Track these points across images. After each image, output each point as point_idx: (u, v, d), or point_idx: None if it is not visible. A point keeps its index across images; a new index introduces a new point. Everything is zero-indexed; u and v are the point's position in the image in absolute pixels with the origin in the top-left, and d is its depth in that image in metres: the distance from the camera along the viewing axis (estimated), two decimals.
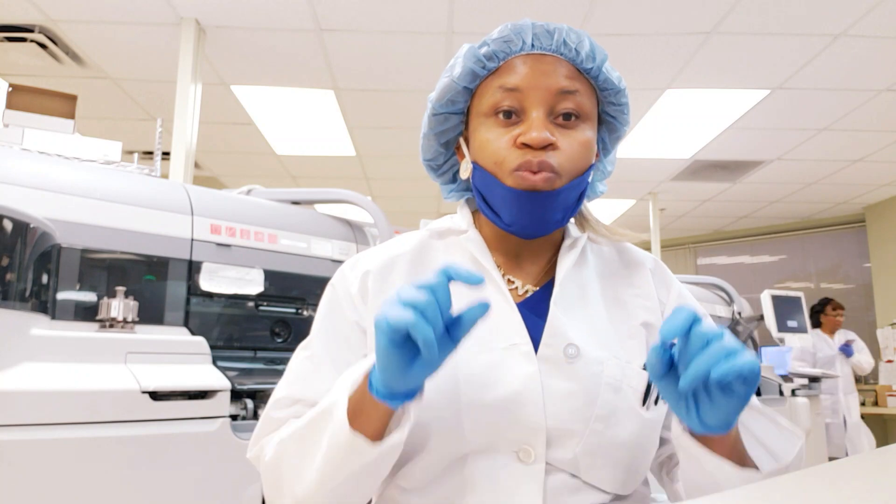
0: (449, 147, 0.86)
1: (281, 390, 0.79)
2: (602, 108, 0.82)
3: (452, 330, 0.60)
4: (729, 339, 0.58)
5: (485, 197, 0.80)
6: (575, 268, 0.82)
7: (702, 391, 0.60)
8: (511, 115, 0.76)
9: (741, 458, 0.68)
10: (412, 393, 0.65)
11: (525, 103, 0.75)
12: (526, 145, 0.74)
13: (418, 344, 0.58)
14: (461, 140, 0.84)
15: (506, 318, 0.76)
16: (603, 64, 0.79)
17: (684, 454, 0.70)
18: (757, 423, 0.74)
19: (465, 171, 0.83)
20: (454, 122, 0.83)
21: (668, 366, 0.61)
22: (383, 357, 0.61)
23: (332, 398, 0.68)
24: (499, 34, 0.78)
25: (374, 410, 0.65)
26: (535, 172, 0.73)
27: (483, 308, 0.60)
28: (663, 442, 0.82)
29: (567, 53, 0.77)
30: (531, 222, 0.77)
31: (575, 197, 0.78)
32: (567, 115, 0.76)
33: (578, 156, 0.76)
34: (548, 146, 0.74)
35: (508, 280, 0.82)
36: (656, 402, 0.77)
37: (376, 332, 0.60)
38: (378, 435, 0.66)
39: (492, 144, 0.76)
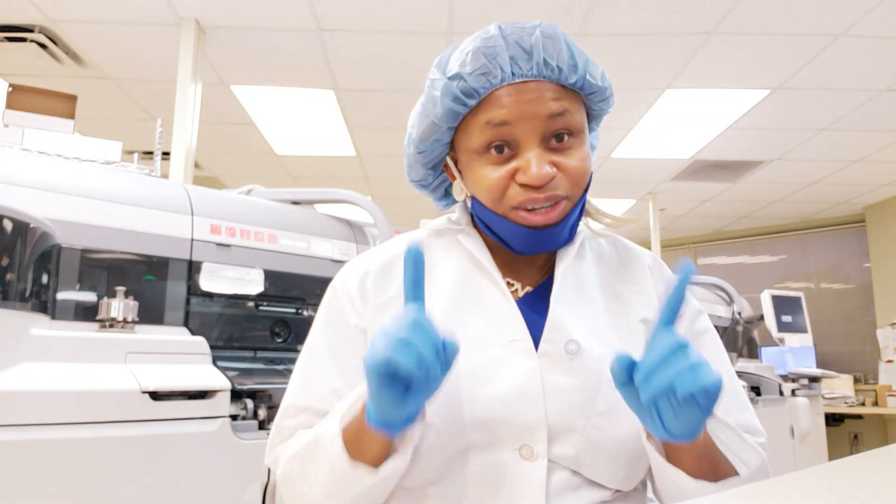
0: (437, 168, 0.86)
1: (287, 399, 0.80)
2: (588, 107, 0.80)
3: (442, 354, 0.60)
4: (693, 352, 0.59)
5: (488, 225, 0.79)
6: (574, 264, 0.82)
7: (665, 401, 0.59)
8: (503, 149, 0.74)
9: (714, 465, 0.68)
10: (410, 419, 0.64)
11: (517, 135, 0.73)
12: (527, 185, 0.73)
13: (409, 379, 0.58)
14: (448, 160, 0.83)
15: (505, 315, 0.77)
16: (585, 71, 0.76)
17: (651, 460, 0.70)
18: (722, 432, 0.73)
19: (460, 193, 0.82)
20: (439, 150, 0.82)
21: (630, 373, 0.61)
22: (375, 394, 0.61)
23: (327, 428, 0.69)
24: (472, 65, 0.73)
25: (372, 438, 0.65)
26: (543, 210, 0.73)
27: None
28: None
29: (550, 75, 0.74)
30: (540, 248, 0.78)
31: (578, 211, 0.78)
32: (560, 136, 0.74)
33: (581, 174, 0.75)
34: (550, 181, 0.73)
35: (508, 283, 0.82)
36: None
37: (365, 372, 0.60)
38: (379, 460, 0.66)
39: (489, 181, 0.75)
